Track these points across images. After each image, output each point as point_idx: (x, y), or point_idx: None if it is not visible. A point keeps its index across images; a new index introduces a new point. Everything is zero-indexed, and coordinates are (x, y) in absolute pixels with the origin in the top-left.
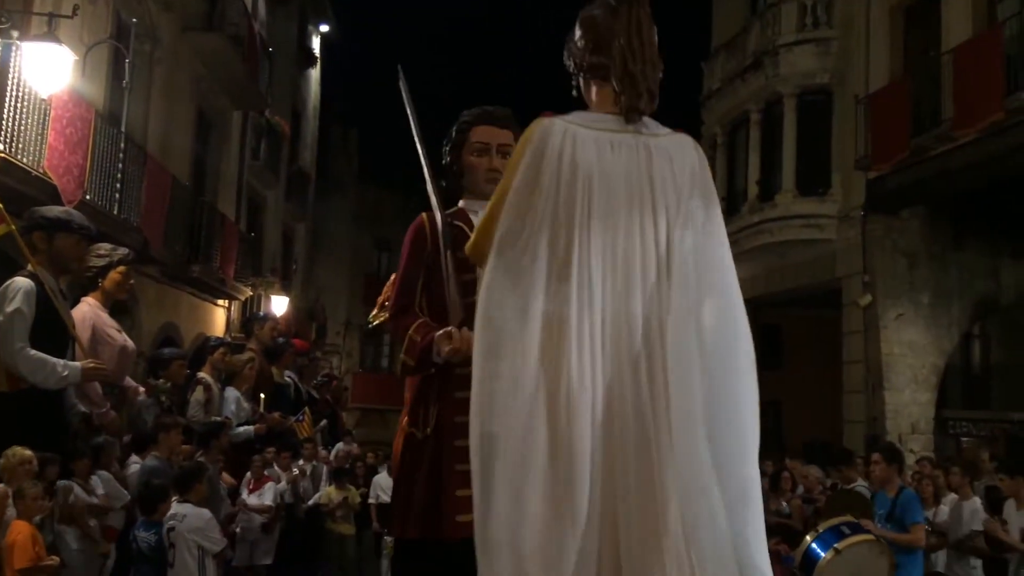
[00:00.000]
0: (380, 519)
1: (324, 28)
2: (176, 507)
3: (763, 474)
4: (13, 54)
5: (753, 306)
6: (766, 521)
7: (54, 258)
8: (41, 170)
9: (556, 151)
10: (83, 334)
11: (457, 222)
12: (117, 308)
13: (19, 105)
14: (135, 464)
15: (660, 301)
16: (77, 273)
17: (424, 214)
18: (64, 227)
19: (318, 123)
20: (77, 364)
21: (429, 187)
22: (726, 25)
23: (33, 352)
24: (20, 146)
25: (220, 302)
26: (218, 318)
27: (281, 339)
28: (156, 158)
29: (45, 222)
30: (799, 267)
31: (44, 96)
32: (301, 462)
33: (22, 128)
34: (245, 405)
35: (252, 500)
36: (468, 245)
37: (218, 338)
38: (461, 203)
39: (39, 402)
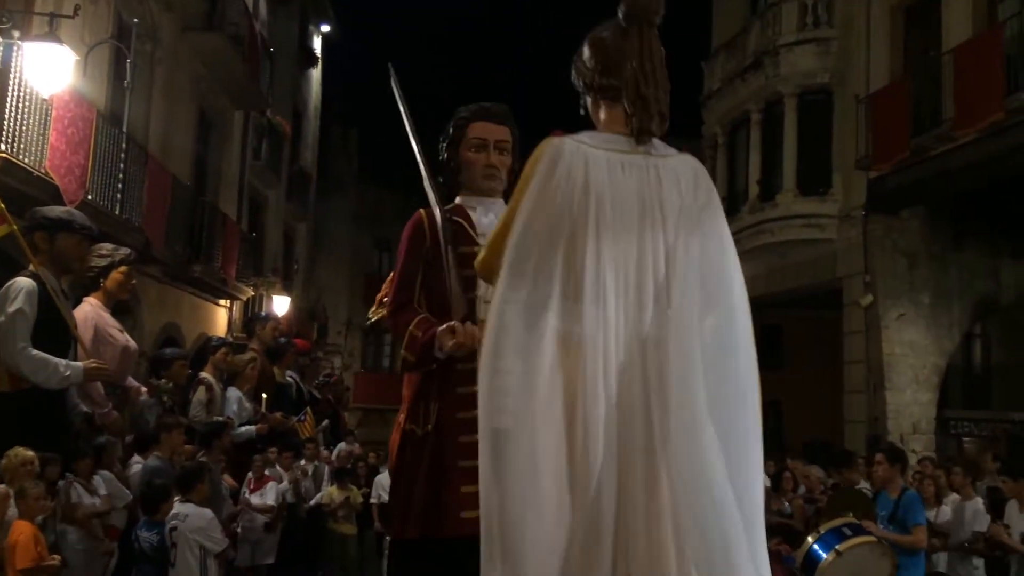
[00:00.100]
0: (382, 519)
1: (325, 28)
2: (178, 507)
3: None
4: (14, 54)
5: (754, 306)
6: (767, 521)
7: (56, 258)
8: (43, 170)
9: (567, 170)
10: (85, 334)
11: (456, 218)
12: (119, 308)
13: (21, 105)
14: (137, 464)
15: (668, 318)
16: (79, 273)
17: (422, 210)
18: (66, 227)
19: (319, 123)
20: (79, 364)
21: (426, 183)
22: (726, 25)
23: (35, 352)
24: (22, 146)
25: (222, 302)
26: (220, 318)
27: (283, 339)
28: (157, 158)
29: (47, 222)
30: (800, 267)
31: (45, 96)
32: (303, 462)
33: (24, 128)
34: (247, 405)
35: (254, 500)
36: (477, 261)
37: (220, 338)
38: (458, 199)
39: (41, 402)
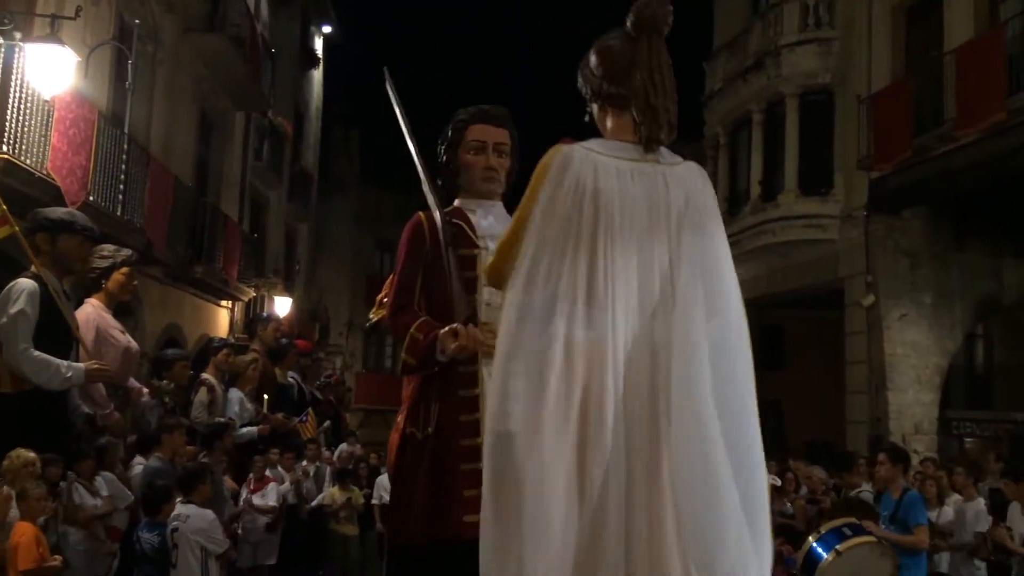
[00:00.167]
0: (383, 520)
1: (326, 29)
2: (180, 508)
3: (771, 475)
4: (16, 55)
5: (755, 307)
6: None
7: (58, 259)
8: (44, 171)
9: (578, 177)
10: (87, 335)
11: (456, 220)
12: (121, 309)
13: (22, 107)
14: (139, 465)
15: (675, 322)
16: (81, 274)
17: (421, 213)
18: (68, 228)
19: (320, 124)
20: (81, 365)
21: (425, 186)
22: (728, 25)
23: (37, 353)
24: (23, 147)
25: (223, 303)
26: (221, 319)
27: (284, 340)
28: (159, 159)
29: (49, 223)
30: (801, 267)
31: (47, 97)
32: (304, 463)
33: (25, 129)
34: (248, 406)
35: (255, 500)
36: (487, 267)
37: (221, 339)
38: (457, 202)
39: (43, 403)
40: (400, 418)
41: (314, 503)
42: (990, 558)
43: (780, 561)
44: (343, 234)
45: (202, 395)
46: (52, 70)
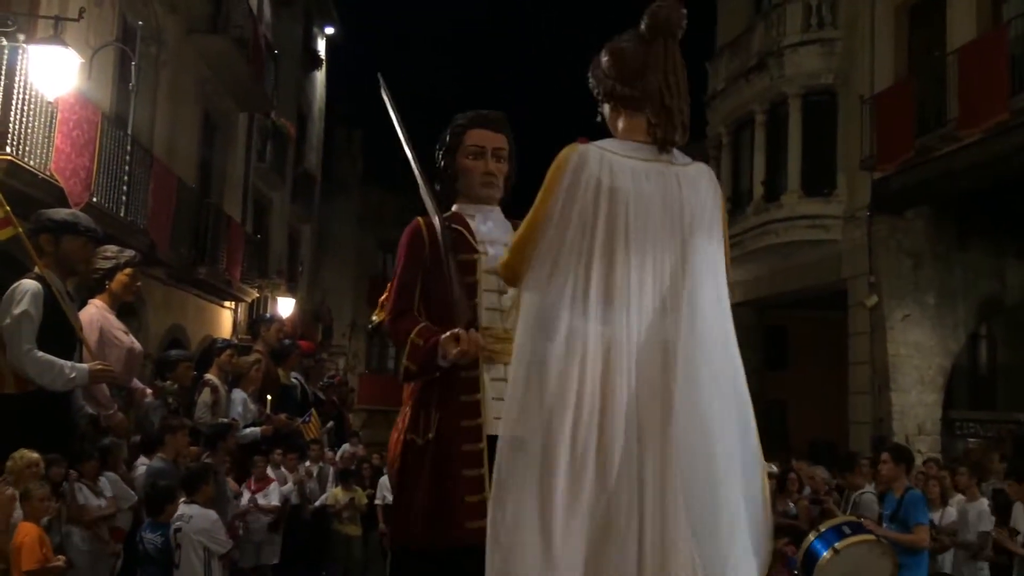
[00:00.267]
0: (386, 521)
1: (329, 30)
2: (183, 508)
3: (769, 475)
4: (20, 57)
5: (758, 307)
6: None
7: (61, 260)
8: (48, 173)
9: (594, 177)
10: (90, 336)
11: (455, 225)
12: (124, 310)
13: (26, 108)
14: (143, 466)
15: (684, 319)
16: (84, 275)
17: (420, 218)
18: (71, 229)
19: (323, 125)
20: (84, 366)
21: (423, 190)
22: (730, 25)
23: (40, 354)
24: (27, 149)
25: (226, 304)
26: (224, 320)
27: (287, 341)
28: (162, 160)
29: (52, 224)
30: (804, 268)
31: (51, 99)
32: (307, 463)
33: (29, 131)
34: (252, 407)
35: (258, 500)
36: (500, 265)
37: (225, 340)
38: (455, 207)
39: (46, 404)
40: (400, 422)
41: (317, 503)
42: (993, 559)
43: (784, 561)
44: (346, 235)
45: (205, 396)
46: (55, 71)
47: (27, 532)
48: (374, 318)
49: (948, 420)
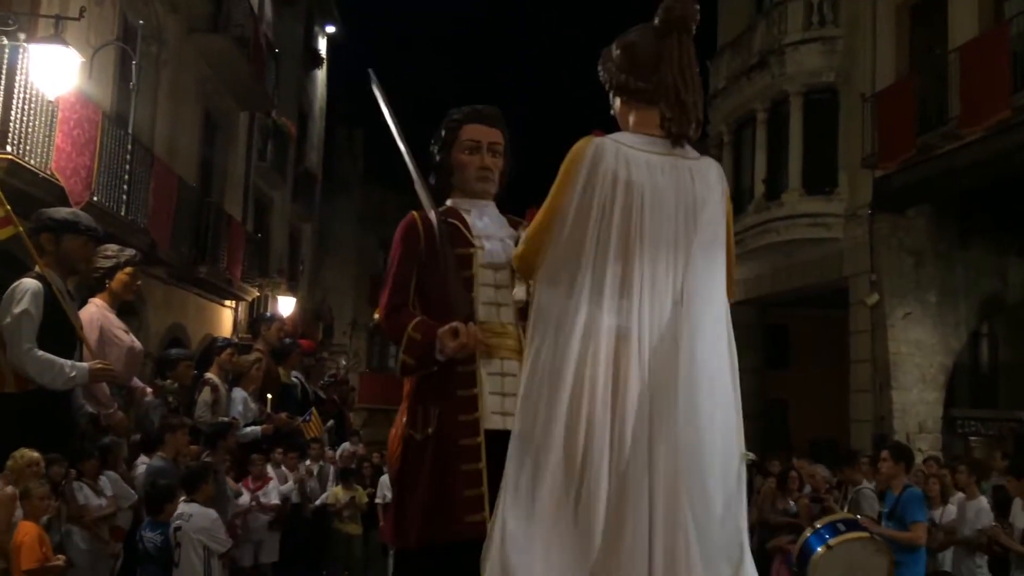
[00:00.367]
0: (386, 517)
1: (330, 29)
2: (183, 507)
3: (770, 474)
4: (20, 56)
5: (760, 305)
6: (773, 521)
7: (62, 259)
8: (49, 172)
9: (610, 170)
10: (91, 335)
11: (451, 219)
12: (124, 309)
13: (27, 107)
14: (143, 465)
15: (693, 310)
16: (85, 274)
17: (414, 212)
18: (72, 228)
19: (324, 124)
20: (84, 365)
21: (417, 184)
22: (731, 23)
23: (41, 353)
24: (28, 148)
25: (227, 303)
26: (225, 319)
27: (288, 339)
28: (163, 159)
29: (53, 223)
30: (806, 266)
31: (51, 98)
32: (308, 462)
33: (30, 130)
34: (252, 405)
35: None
36: (515, 256)
37: (225, 339)
38: (449, 202)
39: (47, 403)
40: (400, 419)
41: (317, 502)
42: (993, 549)
43: (785, 560)
44: (347, 234)
45: (206, 395)
46: (56, 71)
47: (27, 531)
48: (375, 316)
49: (949, 418)
